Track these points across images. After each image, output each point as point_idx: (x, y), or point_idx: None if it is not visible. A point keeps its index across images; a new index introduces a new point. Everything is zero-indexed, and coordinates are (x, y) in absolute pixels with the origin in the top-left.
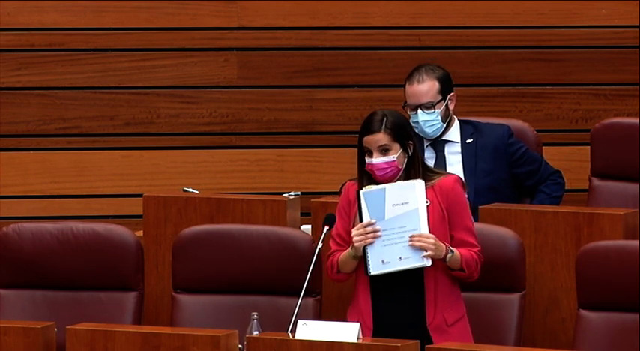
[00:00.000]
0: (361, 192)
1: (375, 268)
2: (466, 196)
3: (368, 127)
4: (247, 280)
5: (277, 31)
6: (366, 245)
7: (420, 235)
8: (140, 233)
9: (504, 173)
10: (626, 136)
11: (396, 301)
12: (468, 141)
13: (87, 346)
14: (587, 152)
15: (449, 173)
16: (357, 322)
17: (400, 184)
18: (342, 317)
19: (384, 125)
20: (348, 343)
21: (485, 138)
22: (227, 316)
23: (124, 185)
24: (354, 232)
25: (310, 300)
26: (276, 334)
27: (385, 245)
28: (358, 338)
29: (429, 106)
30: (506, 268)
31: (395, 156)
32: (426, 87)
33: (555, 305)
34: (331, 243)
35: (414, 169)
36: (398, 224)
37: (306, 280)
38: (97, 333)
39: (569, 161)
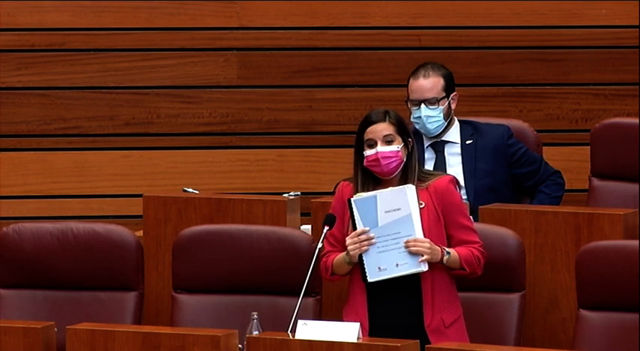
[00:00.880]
0: (352, 199)
1: (373, 276)
2: (461, 195)
3: (371, 119)
4: (247, 280)
5: (277, 31)
6: (361, 253)
7: (415, 240)
8: (140, 233)
9: (504, 174)
10: (626, 136)
11: (393, 304)
12: (467, 142)
13: (87, 346)
14: (587, 152)
15: (442, 174)
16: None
17: (391, 189)
18: (341, 317)
19: (388, 117)
20: (348, 343)
21: (485, 138)
22: (227, 316)
23: (124, 185)
24: (348, 241)
25: (310, 300)
26: (276, 334)
27: (380, 252)
28: (358, 338)
29: (432, 102)
30: (506, 268)
31: (399, 146)
32: (431, 82)
33: (555, 305)
34: (325, 243)
35: (411, 168)
36: (392, 231)
37: (306, 280)
38: (97, 333)
39: (569, 161)
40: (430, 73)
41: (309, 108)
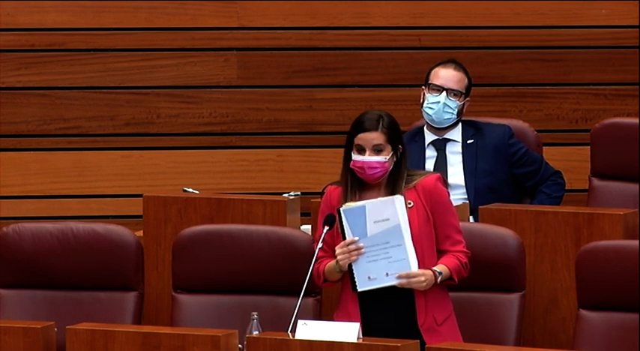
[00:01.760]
0: (341, 209)
1: (362, 285)
2: (448, 192)
3: (363, 125)
4: (247, 280)
5: (277, 31)
6: (350, 262)
7: (407, 275)
8: (140, 233)
9: (505, 173)
10: (626, 136)
11: (385, 306)
12: (469, 141)
13: (87, 346)
14: (587, 152)
15: (429, 172)
16: None
17: (380, 200)
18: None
19: (380, 125)
20: (348, 343)
21: (486, 138)
22: (227, 316)
23: (124, 185)
24: (337, 250)
25: (310, 300)
26: (276, 334)
27: (369, 261)
28: (358, 338)
29: (456, 94)
30: (506, 268)
31: (387, 157)
32: (459, 76)
33: (555, 305)
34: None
35: (400, 174)
36: (381, 241)
37: (306, 280)
38: (97, 333)
39: (569, 161)
40: (460, 69)
41: (309, 108)
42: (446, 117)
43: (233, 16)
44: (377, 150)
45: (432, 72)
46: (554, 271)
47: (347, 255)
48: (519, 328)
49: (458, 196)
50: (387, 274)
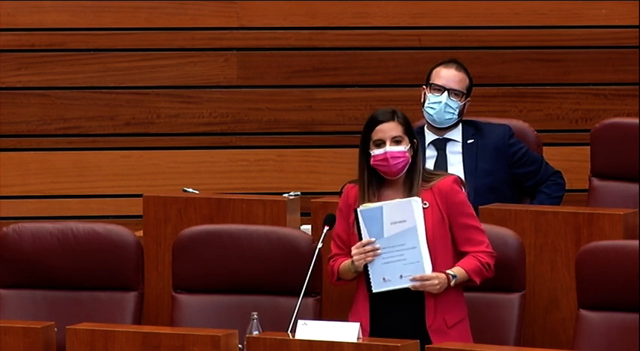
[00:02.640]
0: (358, 210)
1: (377, 287)
2: (466, 194)
3: (378, 118)
4: (247, 280)
5: (277, 31)
6: (366, 263)
7: (421, 278)
8: (140, 233)
9: (505, 173)
10: (626, 136)
11: (395, 305)
12: (469, 141)
13: (87, 346)
14: (587, 152)
15: (447, 174)
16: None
17: (397, 201)
18: (342, 317)
19: (396, 116)
20: (348, 343)
21: (486, 138)
22: (227, 316)
23: (124, 185)
24: (353, 250)
25: (310, 300)
26: (276, 334)
27: (385, 263)
28: (358, 338)
29: (457, 94)
30: (506, 268)
31: (407, 147)
32: (460, 76)
33: (555, 305)
34: (332, 245)
35: (416, 169)
36: (397, 242)
37: (306, 280)
38: (97, 333)
39: (569, 161)
40: (461, 69)
41: (309, 108)
42: (447, 117)
43: (233, 16)
44: (396, 141)
45: (434, 72)
46: (554, 271)
47: (363, 255)
48: (519, 328)
49: None
50: (401, 277)
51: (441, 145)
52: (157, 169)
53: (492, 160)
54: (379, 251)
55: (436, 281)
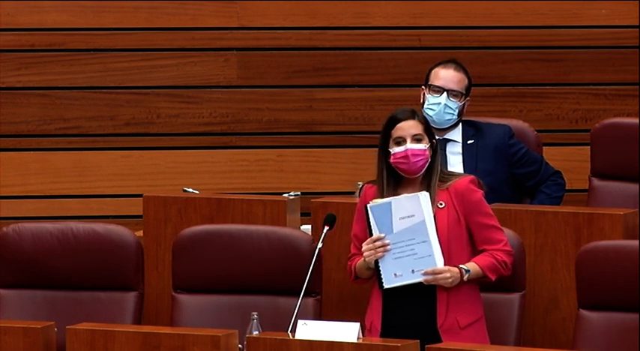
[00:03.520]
0: (368, 206)
1: (389, 282)
2: (482, 193)
3: (399, 117)
4: (247, 280)
5: (277, 31)
6: (376, 259)
7: (433, 272)
8: (140, 233)
9: (505, 173)
10: (626, 136)
11: (408, 303)
12: (469, 141)
13: (87, 346)
14: (587, 152)
15: (464, 174)
16: (370, 323)
17: (405, 196)
18: (342, 317)
19: (416, 115)
20: (348, 343)
21: (486, 138)
22: (227, 316)
23: (124, 185)
24: (364, 247)
25: (310, 300)
26: (276, 334)
27: (396, 258)
28: (358, 338)
29: (456, 94)
30: None
31: (427, 146)
32: (459, 76)
33: (555, 305)
34: (351, 246)
35: (435, 168)
36: (406, 237)
37: (306, 280)
38: (97, 333)
39: (569, 161)
40: (460, 68)
41: (309, 108)
42: (447, 118)
43: (233, 16)
44: (417, 139)
45: (432, 72)
46: (554, 271)
47: (373, 251)
48: (519, 328)
49: None
50: (412, 271)
51: (441, 145)
52: (156, 169)
53: (492, 161)
54: (389, 247)
55: (448, 274)
